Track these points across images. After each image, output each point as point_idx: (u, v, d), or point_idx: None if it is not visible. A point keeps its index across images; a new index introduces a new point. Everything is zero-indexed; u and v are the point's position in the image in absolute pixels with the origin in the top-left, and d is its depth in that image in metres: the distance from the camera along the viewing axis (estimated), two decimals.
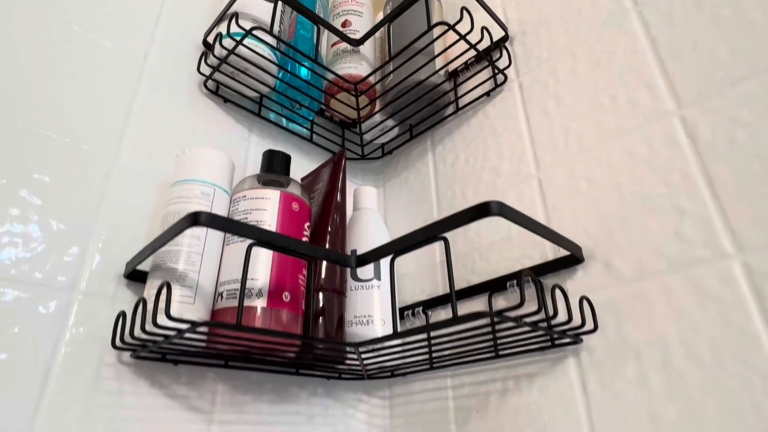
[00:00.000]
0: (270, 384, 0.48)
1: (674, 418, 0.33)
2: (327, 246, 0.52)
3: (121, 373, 0.39)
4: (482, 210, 0.33)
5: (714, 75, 0.38)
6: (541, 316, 0.41)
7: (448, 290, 0.52)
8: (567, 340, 0.40)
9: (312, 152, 0.65)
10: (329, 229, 0.53)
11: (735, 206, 0.35)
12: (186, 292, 0.38)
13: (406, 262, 0.58)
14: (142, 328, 0.33)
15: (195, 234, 0.41)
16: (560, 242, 0.38)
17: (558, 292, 0.42)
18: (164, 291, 0.32)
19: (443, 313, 0.52)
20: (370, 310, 0.51)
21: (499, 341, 0.45)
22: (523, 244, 0.47)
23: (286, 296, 0.42)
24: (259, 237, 0.35)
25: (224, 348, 0.41)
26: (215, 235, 0.42)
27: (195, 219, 0.32)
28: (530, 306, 0.43)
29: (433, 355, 0.50)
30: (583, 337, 0.39)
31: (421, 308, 0.53)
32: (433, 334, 0.49)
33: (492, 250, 0.50)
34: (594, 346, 0.39)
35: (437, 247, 0.56)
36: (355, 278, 0.55)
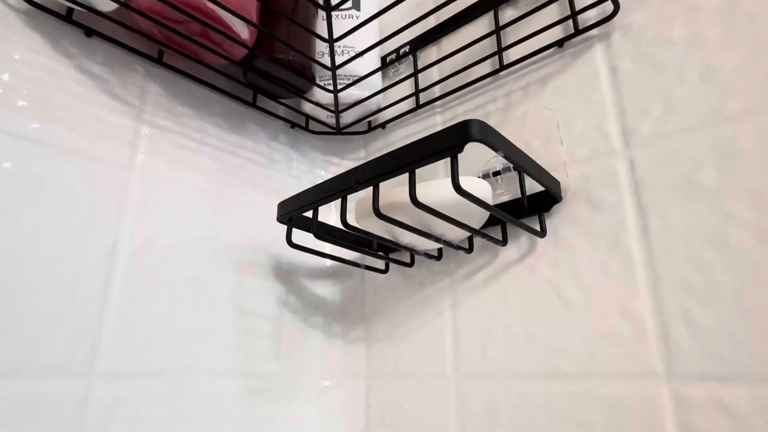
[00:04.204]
0: (219, 108, 0.39)
1: (733, 65, 0.26)
2: None
3: (8, 19, 0.29)
4: None
5: None
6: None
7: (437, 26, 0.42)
8: (594, 21, 0.32)
9: None
10: None
11: None
12: None
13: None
14: None
15: None
16: None
17: None
18: None
19: (434, 51, 0.43)
20: (348, 41, 0.42)
21: (504, 48, 0.36)
22: None
23: None
24: None
25: (146, 5, 0.31)
26: None
27: None
28: (549, 16, 0.34)
29: (420, 87, 0.41)
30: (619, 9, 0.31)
31: (407, 48, 0.44)
32: (420, 66, 0.40)
33: None
34: (629, 23, 0.31)
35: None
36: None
